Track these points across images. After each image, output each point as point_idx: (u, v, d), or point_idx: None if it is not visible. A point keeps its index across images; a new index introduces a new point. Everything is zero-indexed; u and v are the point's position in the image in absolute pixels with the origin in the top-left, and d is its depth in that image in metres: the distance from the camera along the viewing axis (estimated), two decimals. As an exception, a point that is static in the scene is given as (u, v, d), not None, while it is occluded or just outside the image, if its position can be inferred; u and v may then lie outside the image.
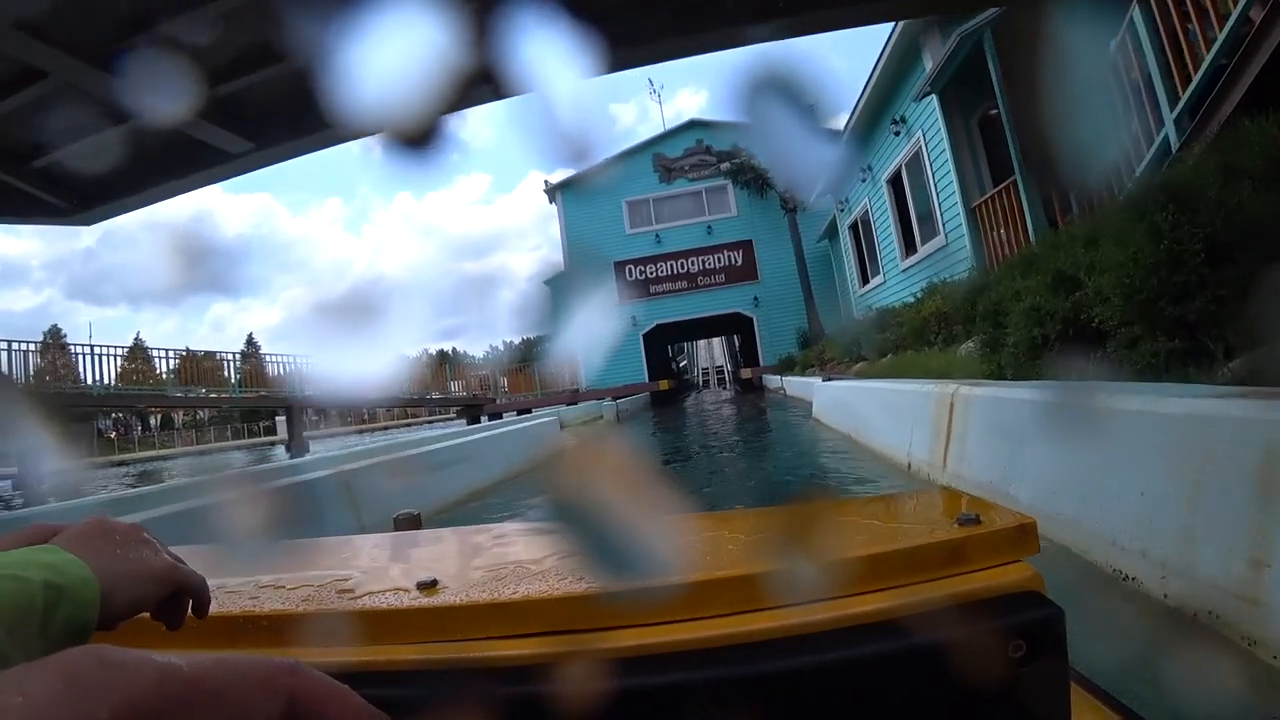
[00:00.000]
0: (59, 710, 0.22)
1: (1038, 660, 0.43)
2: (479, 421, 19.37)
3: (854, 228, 14.45)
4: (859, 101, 11.49)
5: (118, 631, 0.38)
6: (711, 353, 41.78)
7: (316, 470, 3.96)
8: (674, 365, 34.21)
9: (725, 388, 33.20)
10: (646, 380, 20.54)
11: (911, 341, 6.56)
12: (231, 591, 0.53)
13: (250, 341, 71.24)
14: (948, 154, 8.71)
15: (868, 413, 4.68)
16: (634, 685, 0.41)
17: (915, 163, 10.13)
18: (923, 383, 3.63)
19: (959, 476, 2.79)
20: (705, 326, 23.12)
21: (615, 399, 18.21)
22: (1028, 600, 0.46)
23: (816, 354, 14.00)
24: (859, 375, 7.61)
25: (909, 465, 3.52)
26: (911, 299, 9.93)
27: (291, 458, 14.67)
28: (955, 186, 8.57)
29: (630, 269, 21.19)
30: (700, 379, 39.53)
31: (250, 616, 0.49)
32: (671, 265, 21.22)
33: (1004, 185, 7.41)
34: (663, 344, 25.99)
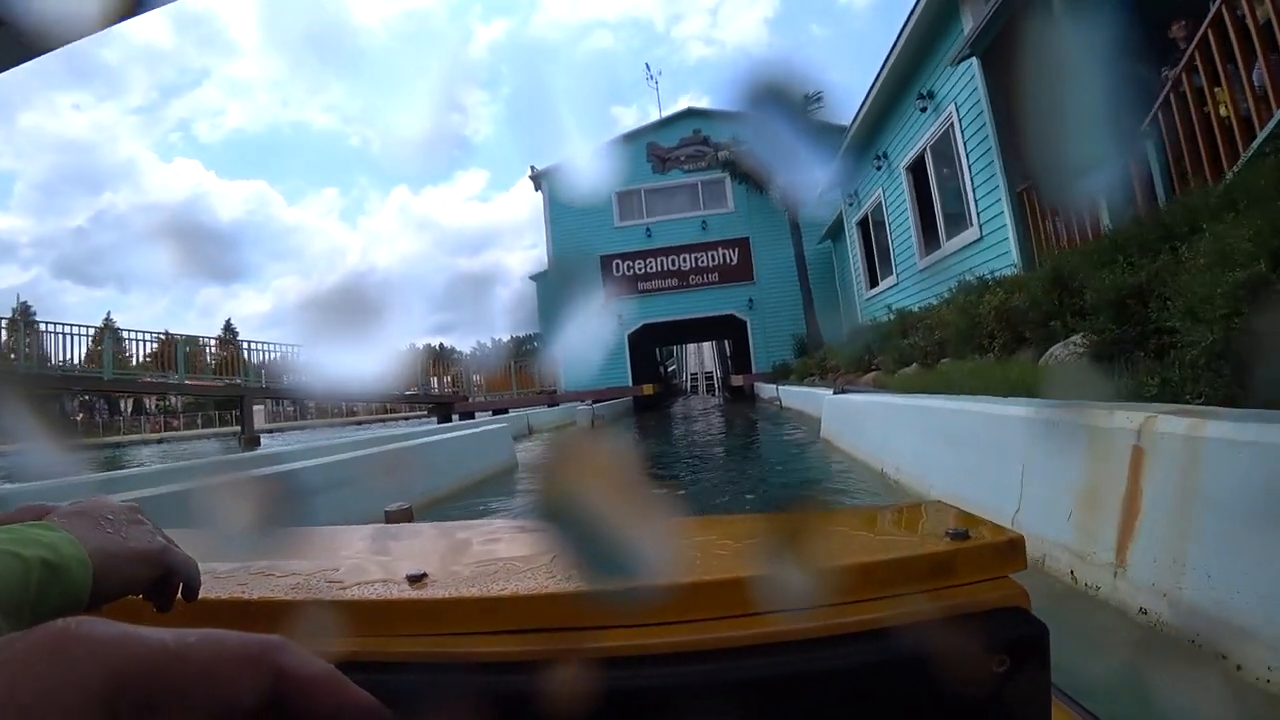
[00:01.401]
0: (45, 678, 0.22)
1: (1021, 675, 0.43)
2: (450, 420, 18.23)
3: (863, 224, 13.09)
4: (876, 79, 10.15)
5: (106, 610, 0.38)
6: (701, 358, 40.40)
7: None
8: (662, 369, 32.81)
9: (714, 395, 31.84)
10: (630, 384, 19.09)
11: (955, 347, 5.16)
12: (220, 577, 0.52)
13: (228, 328, 69.41)
14: (988, 129, 7.34)
15: (917, 442, 3.28)
16: (619, 686, 0.41)
17: (944, 143, 8.77)
18: (1040, 405, 2.22)
19: (1179, 602, 1.39)
20: (695, 328, 21.66)
21: (595, 402, 16.92)
22: (1013, 616, 0.46)
23: (816, 362, 12.61)
24: (880, 387, 6.21)
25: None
26: (935, 300, 8.57)
27: (243, 452, 13.36)
28: (997, 168, 7.21)
29: (618, 264, 19.76)
30: (689, 384, 38.19)
31: (238, 602, 0.49)
32: (662, 261, 19.79)
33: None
34: (650, 346, 24.56)
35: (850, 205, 13.45)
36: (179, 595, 0.44)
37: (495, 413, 17.02)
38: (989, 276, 6.89)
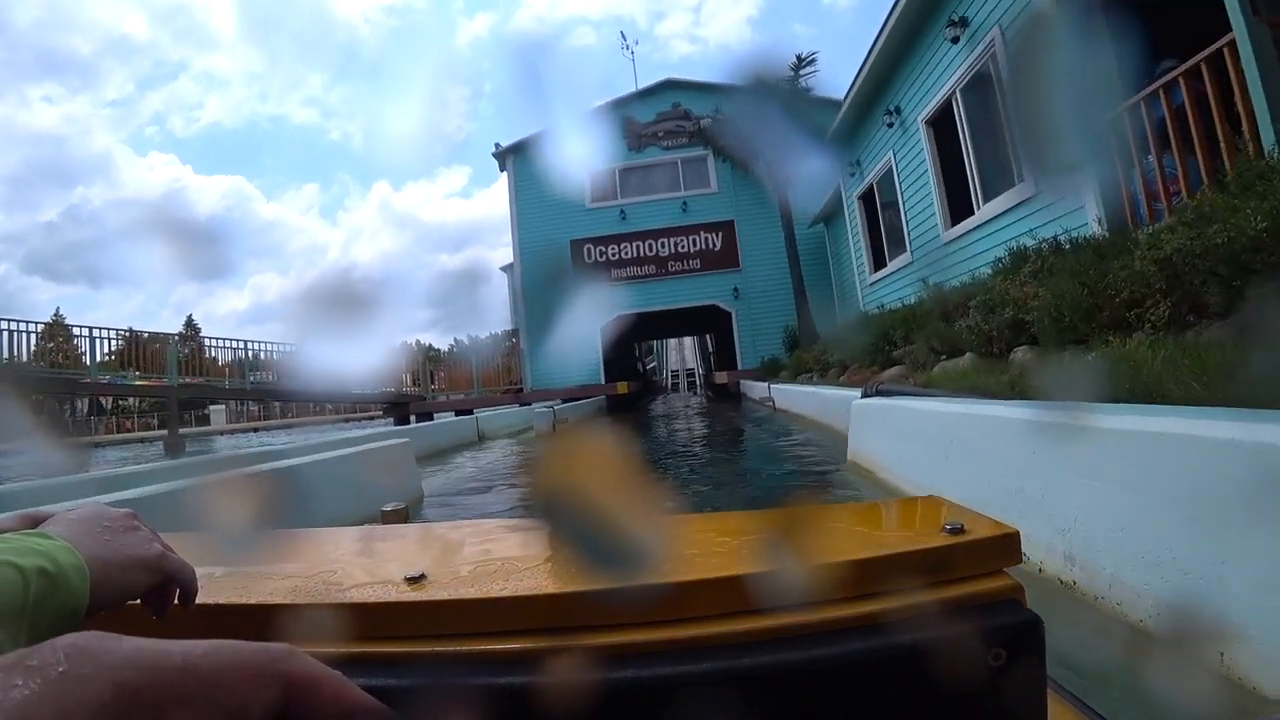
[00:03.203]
0: (58, 695, 0.22)
1: (1017, 668, 0.43)
2: (408, 422, 16.50)
3: (867, 197, 11.36)
4: (889, 16, 8.42)
5: (104, 618, 0.38)
6: (682, 354, 38.63)
7: None
8: (640, 366, 30.98)
9: (695, 393, 30.08)
10: (603, 381, 17.25)
11: (1065, 324, 3.38)
12: (218, 580, 0.52)
13: (190, 324, 66.38)
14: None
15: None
16: (621, 683, 0.41)
17: (980, 82, 7.04)
18: None
19: None
20: (675, 321, 19.79)
21: (563, 401, 15.17)
22: (1008, 609, 0.46)
23: (814, 356, 10.87)
24: (923, 385, 4.44)
25: None
26: (969, 278, 6.85)
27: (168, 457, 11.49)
28: (1068, 95, 5.47)
29: (589, 249, 17.88)
30: (669, 382, 36.43)
31: (238, 607, 0.48)
32: (638, 246, 17.92)
33: (1186, 67, 4.32)
34: (626, 341, 22.72)
35: (852, 176, 11.70)
36: (176, 601, 0.44)
37: (458, 413, 15.33)
38: (1062, 239, 5.17)
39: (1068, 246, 5.07)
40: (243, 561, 0.55)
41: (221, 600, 0.48)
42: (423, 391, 19.56)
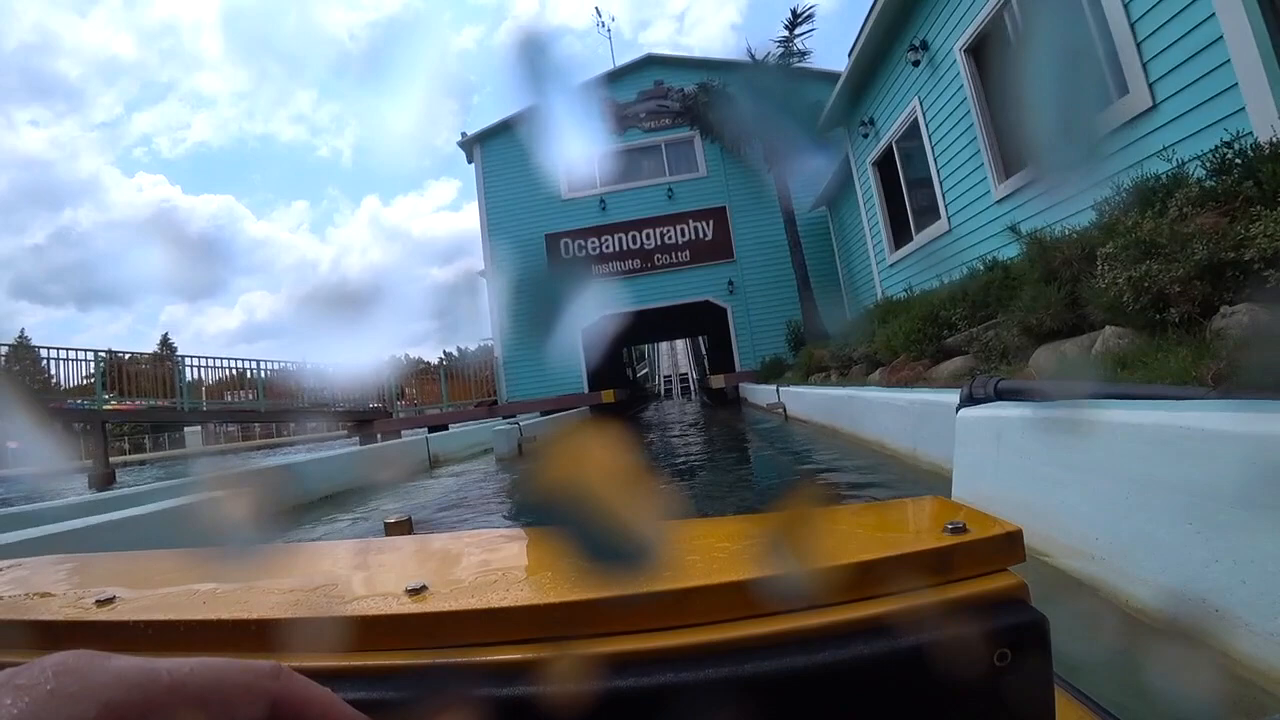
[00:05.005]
0: (46, 713, 0.22)
1: (1023, 666, 0.43)
2: (376, 440, 14.64)
3: (883, 163, 9.61)
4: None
5: (98, 639, 0.38)
6: (675, 358, 36.81)
7: None
8: (630, 372, 29.14)
9: (690, 399, 28.26)
10: (585, 391, 15.43)
11: None
12: (220, 596, 0.51)
13: (165, 343, 64.22)
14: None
15: None
16: (622, 692, 0.41)
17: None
18: None
19: None
20: (665, 320, 17.93)
21: (543, 414, 13.42)
22: (1013, 607, 0.45)
23: (830, 353, 9.08)
24: (1049, 378, 2.68)
25: None
26: (1053, 233, 5.07)
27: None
28: (1216, -55, 3.72)
29: (567, 243, 16.09)
30: (662, 388, 34.59)
31: (239, 622, 0.47)
32: (620, 239, 16.12)
33: None
34: (613, 345, 20.87)
35: (864, 138, 9.94)
36: None
37: (431, 430, 13.55)
38: (1231, 153, 3.40)
39: (1239, 161, 3.32)
40: (244, 576, 0.54)
41: (225, 616, 0.47)
42: (389, 407, 17.72)
